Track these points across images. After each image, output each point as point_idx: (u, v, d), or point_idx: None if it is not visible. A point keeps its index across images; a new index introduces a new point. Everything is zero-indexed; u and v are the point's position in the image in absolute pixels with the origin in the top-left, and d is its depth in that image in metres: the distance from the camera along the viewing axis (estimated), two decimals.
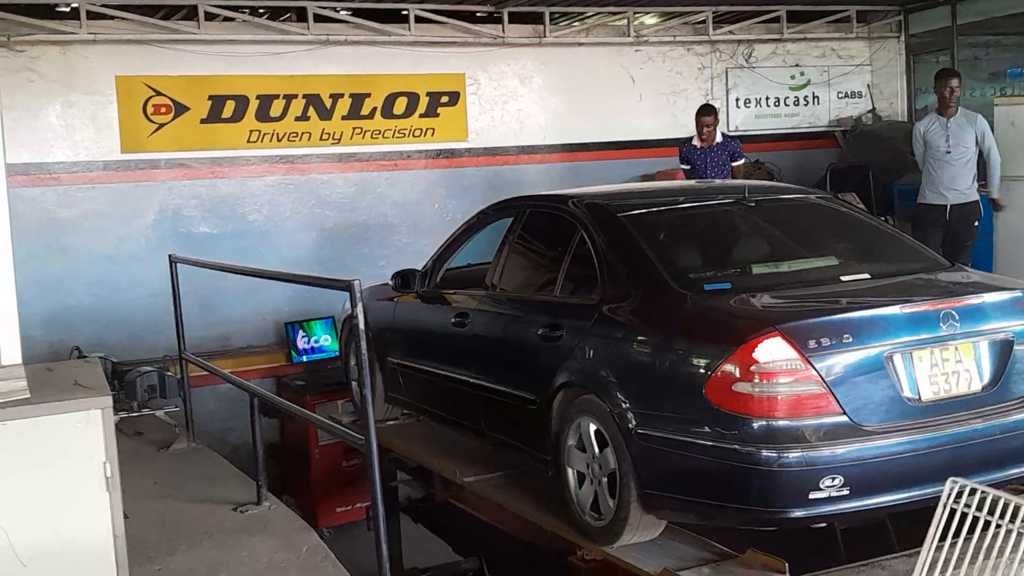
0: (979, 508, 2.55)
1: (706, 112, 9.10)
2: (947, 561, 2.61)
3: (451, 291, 6.05)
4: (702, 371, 4.12)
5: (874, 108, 11.96)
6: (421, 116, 10.34)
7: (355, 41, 9.84)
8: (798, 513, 4.00)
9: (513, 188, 10.37)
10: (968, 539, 2.56)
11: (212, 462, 6.33)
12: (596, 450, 4.59)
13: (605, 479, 4.54)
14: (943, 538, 2.66)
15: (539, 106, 10.95)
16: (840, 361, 4.02)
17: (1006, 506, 2.49)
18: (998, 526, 2.48)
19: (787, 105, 11.86)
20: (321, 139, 9.99)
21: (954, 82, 8.46)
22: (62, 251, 9.00)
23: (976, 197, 8.51)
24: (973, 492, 2.56)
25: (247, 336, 9.77)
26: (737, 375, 3.99)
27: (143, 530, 4.97)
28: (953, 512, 2.59)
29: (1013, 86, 11.00)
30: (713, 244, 5.10)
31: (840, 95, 12.02)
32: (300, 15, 9.65)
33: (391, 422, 6.86)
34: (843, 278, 4.61)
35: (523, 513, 5.33)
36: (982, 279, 4.83)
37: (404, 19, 9.88)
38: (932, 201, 8.40)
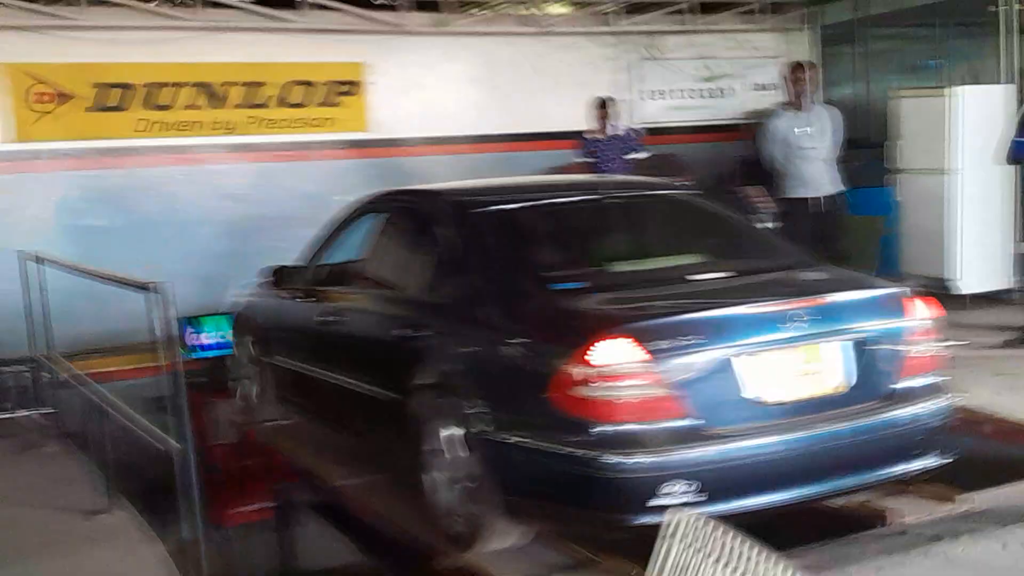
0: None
1: (597, 104, 9.01)
2: None
3: (321, 287, 5.85)
4: (545, 373, 3.96)
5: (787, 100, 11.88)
6: (320, 105, 10.11)
7: (246, 28, 9.56)
8: (639, 520, 3.85)
9: (417, 180, 10.15)
10: None
11: (76, 465, 6.05)
12: (455, 454, 4.43)
13: (465, 484, 4.38)
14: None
15: (444, 96, 10.75)
16: (683, 363, 3.88)
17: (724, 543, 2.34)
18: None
19: (699, 97, 11.78)
20: (214, 128, 9.72)
21: (805, 73, 8.01)
22: None
23: (842, 188, 8.11)
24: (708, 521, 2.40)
25: (146, 331, 9.44)
26: (577, 377, 3.85)
27: None
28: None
29: (927, 77, 11.00)
30: (571, 241, 4.96)
31: (753, 87, 11.95)
32: None
33: (280, 422, 6.68)
34: (699, 276, 4.49)
35: (390, 518, 5.16)
36: (839, 277, 4.71)
37: (298, 5, 9.63)
38: (802, 195, 7.93)
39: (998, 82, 9.32)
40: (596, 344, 3.80)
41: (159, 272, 8.90)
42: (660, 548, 2.49)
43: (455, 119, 10.85)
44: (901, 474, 4.32)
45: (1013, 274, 7.32)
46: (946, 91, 8.88)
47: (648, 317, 4.03)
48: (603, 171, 8.83)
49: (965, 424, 5.35)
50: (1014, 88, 9.11)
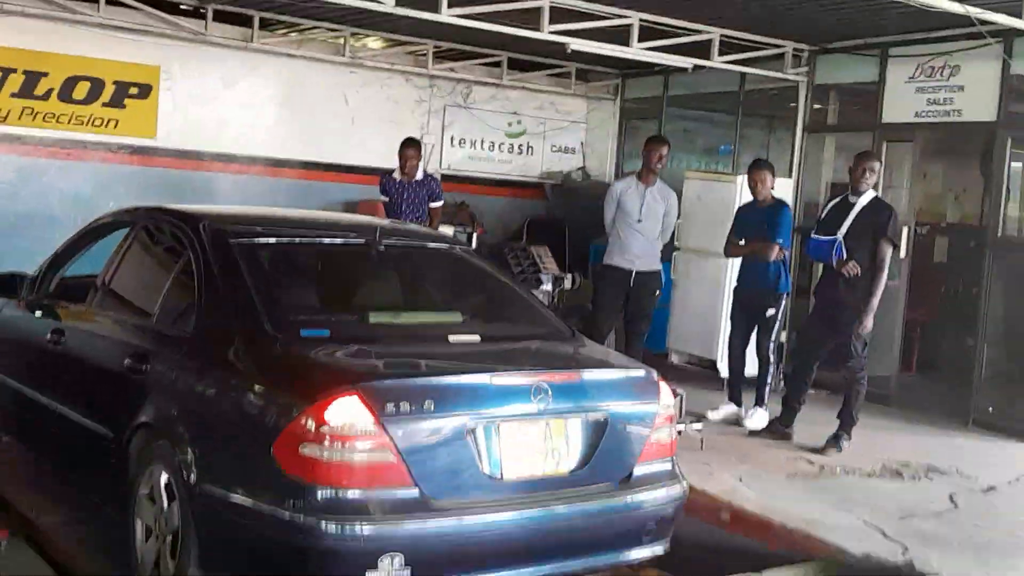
0: None
1: (409, 145, 8.75)
2: None
3: (54, 302, 5.37)
4: (272, 427, 3.70)
5: (584, 166, 12.11)
6: (105, 105, 9.54)
7: (35, 14, 8.93)
8: None
9: (201, 196, 9.73)
10: None
11: None
12: (165, 503, 4.07)
13: (170, 536, 4.03)
14: None
15: (244, 114, 10.37)
16: (418, 429, 3.69)
17: None
18: None
19: (502, 151, 11.83)
20: None
21: (663, 150, 8.02)
22: None
23: (659, 267, 8.27)
24: None
25: None
26: (306, 435, 3.59)
27: None
28: None
29: (721, 162, 11.42)
30: (332, 286, 4.72)
31: (554, 148, 12.10)
32: None
33: None
34: (451, 338, 4.32)
35: (92, 564, 4.71)
36: (591, 354, 4.62)
37: None
38: (619, 264, 7.97)
39: (788, 175, 9.74)
40: (323, 401, 3.57)
41: None
42: None
43: (253, 139, 10.48)
44: (628, 560, 4.27)
45: (772, 362, 7.57)
46: (737, 178, 9.14)
47: (384, 376, 3.83)
48: (401, 214, 8.57)
49: (703, 511, 5.42)
50: (790, 182, 9.54)
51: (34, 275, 5.62)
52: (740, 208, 7.92)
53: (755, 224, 7.59)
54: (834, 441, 6.82)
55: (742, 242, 7.69)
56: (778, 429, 7.14)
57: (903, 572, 4.60)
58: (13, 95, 9.11)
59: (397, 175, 8.78)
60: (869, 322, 6.77)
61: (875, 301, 6.77)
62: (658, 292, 8.25)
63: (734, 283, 7.93)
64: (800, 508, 5.46)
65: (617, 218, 8.03)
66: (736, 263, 8.00)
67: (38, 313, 5.44)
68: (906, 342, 9.03)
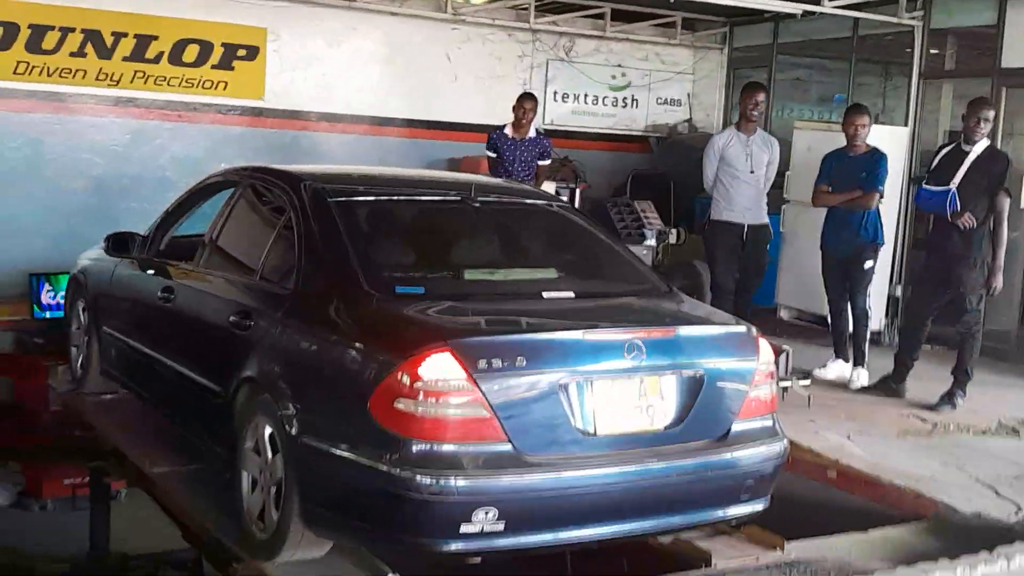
0: None
1: (527, 98, 8.56)
2: None
3: (164, 261, 5.54)
4: (368, 382, 3.75)
5: (691, 118, 11.87)
6: (214, 67, 9.73)
7: None
8: (449, 546, 3.68)
9: (307, 156, 9.91)
10: None
11: None
12: (269, 455, 4.18)
13: (274, 488, 4.14)
14: None
15: (348, 73, 10.47)
16: (510, 384, 3.69)
17: None
18: None
19: (605, 104, 11.67)
20: (97, 79, 9.28)
21: (759, 96, 7.69)
22: None
23: (767, 219, 7.95)
24: None
25: None
26: (400, 390, 3.63)
27: None
28: None
29: (835, 111, 11.05)
30: (430, 244, 4.73)
31: (659, 101, 11.89)
32: None
33: (107, 396, 6.33)
34: (546, 294, 4.30)
35: (201, 514, 4.88)
36: (687, 310, 4.53)
37: None
38: (729, 219, 7.65)
39: (904, 124, 9.41)
40: (417, 356, 3.60)
41: (15, 226, 8.64)
42: None
43: (357, 98, 10.57)
44: (728, 517, 4.23)
45: (885, 316, 7.33)
46: None
47: (477, 333, 3.84)
48: (509, 172, 8.47)
49: (809, 468, 5.32)
50: (907, 131, 9.21)
51: (145, 235, 5.81)
52: (828, 155, 7.52)
53: (851, 173, 7.27)
54: (948, 398, 6.61)
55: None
56: (890, 386, 6.94)
57: (1015, 531, 4.44)
58: (125, 59, 9.35)
59: (509, 131, 8.63)
60: (1000, 280, 6.55)
61: (1001, 256, 6.53)
62: (767, 244, 8.03)
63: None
64: (910, 466, 5.32)
65: (723, 172, 7.72)
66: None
67: (149, 272, 5.62)
68: None
